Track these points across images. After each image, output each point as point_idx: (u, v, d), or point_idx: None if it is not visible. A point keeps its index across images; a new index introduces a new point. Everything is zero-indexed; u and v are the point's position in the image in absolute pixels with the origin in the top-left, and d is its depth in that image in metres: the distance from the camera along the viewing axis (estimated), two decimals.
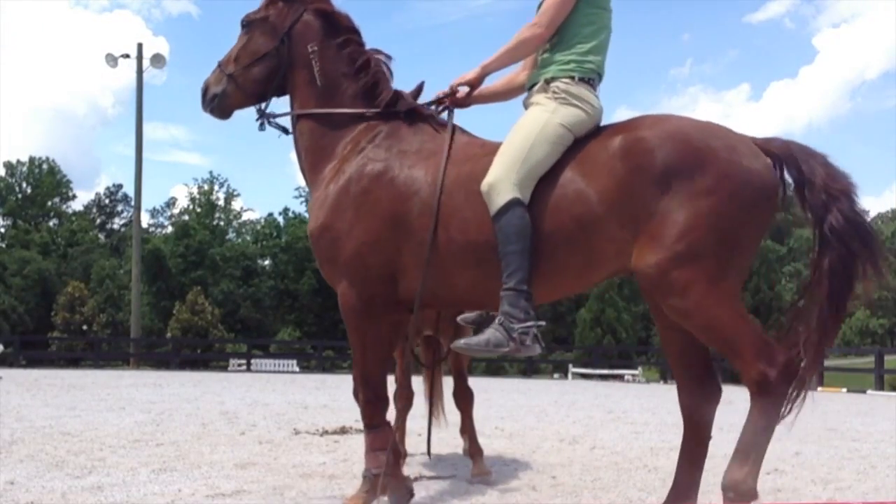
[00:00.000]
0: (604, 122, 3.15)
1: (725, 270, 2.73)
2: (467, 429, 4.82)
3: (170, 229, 57.19)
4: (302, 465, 4.86)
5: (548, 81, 3.15)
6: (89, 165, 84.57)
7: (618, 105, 79.09)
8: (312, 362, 29.23)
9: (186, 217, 57.42)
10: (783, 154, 2.89)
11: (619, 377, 25.29)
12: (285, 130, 3.62)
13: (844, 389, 18.33)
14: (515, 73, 3.45)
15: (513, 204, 2.90)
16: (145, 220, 58.64)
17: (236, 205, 60.83)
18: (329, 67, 3.44)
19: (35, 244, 50.62)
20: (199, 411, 8.67)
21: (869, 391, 18.46)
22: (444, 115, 3.43)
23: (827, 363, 19.95)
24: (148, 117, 73.05)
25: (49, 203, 59.16)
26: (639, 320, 38.94)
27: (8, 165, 58.55)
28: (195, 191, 60.07)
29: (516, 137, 3.03)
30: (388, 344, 3.40)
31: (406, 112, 3.40)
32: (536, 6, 3.27)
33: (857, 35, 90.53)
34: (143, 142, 30.53)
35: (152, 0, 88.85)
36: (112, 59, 31.34)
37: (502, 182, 2.93)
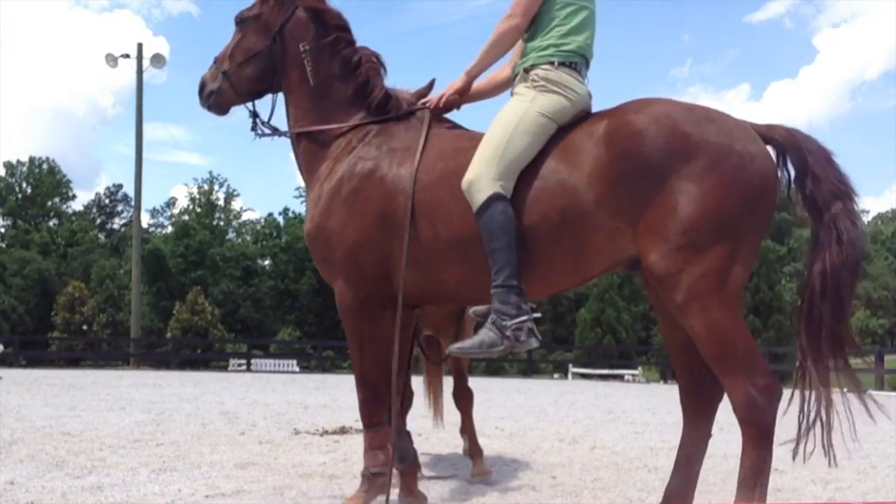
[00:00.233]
0: None
1: (729, 264, 2.63)
2: (467, 429, 4.82)
3: (170, 229, 57.19)
4: (302, 465, 4.86)
5: (527, 70, 3.10)
6: (89, 165, 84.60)
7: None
8: (312, 362, 29.22)
9: (186, 217, 57.44)
10: (786, 142, 2.79)
11: (619, 377, 25.29)
12: (278, 132, 3.61)
13: (844, 389, 18.29)
14: (499, 70, 3.41)
15: (494, 199, 2.86)
16: (145, 220, 58.71)
17: (236, 205, 60.95)
18: (321, 67, 3.44)
19: (35, 244, 50.61)
20: (199, 411, 8.67)
21: (869, 391, 18.43)
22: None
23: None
24: (148, 117, 72.94)
25: (49, 203, 59.14)
26: (639, 320, 38.96)
27: (8, 165, 58.56)
28: (195, 191, 60.16)
29: (495, 131, 2.99)
30: (386, 342, 3.38)
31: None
32: None
33: (858, 35, 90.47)
34: (143, 142, 30.54)
35: (152, 0, 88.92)
36: (112, 59, 31.33)
37: (482, 178, 2.90)
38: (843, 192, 2.73)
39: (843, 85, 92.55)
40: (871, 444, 6.49)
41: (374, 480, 3.32)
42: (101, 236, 59.86)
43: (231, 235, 58.49)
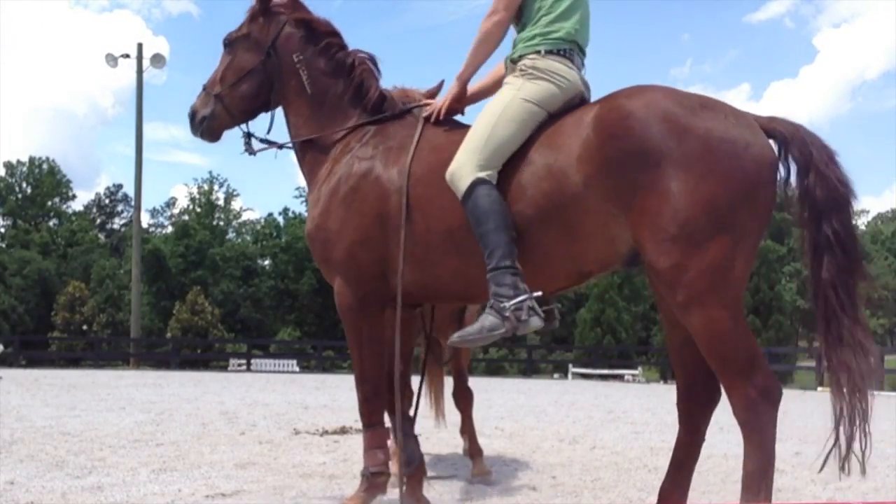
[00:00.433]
0: None
1: (729, 259, 2.54)
2: (467, 429, 4.83)
3: (170, 229, 57.18)
4: (302, 465, 4.86)
5: (514, 61, 3.09)
6: (89, 165, 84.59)
7: None
8: (312, 362, 29.21)
9: (186, 217, 57.42)
10: (790, 134, 2.68)
11: (619, 377, 25.30)
12: (276, 145, 3.62)
13: (844, 389, 18.27)
14: (500, 65, 3.37)
15: (476, 184, 2.83)
16: (145, 220, 58.70)
17: (236, 205, 60.91)
18: (317, 74, 3.46)
19: (35, 244, 50.60)
20: (199, 411, 8.67)
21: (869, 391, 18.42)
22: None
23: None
24: (148, 117, 72.98)
25: (49, 203, 59.12)
26: (639, 320, 38.95)
27: (8, 165, 58.53)
28: (195, 191, 60.11)
29: (481, 121, 2.98)
30: (385, 342, 3.38)
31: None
32: None
33: (858, 35, 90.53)
34: (143, 142, 30.54)
35: (152, 0, 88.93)
36: (112, 59, 31.34)
37: (464, 167, 2.88)
38: (844, 195, 2.64)
39: (843, 85, 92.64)
40: (872, 443, 6.49)
41: (373, 480, 3.32)
42: (101, 236, 59.85)
43: (231, 235, 58.47)
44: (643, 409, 11.01)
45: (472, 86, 3.38)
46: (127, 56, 31.30)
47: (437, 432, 5.05)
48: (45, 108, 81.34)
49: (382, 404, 3.36)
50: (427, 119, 3.28)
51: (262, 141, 3.63)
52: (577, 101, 3.02)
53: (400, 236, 3.06)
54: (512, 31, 3.22)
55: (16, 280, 44.59)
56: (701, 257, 2.54)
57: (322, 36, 3.49)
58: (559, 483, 4.47)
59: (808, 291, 2.71)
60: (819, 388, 19.64)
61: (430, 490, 4.09)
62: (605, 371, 26.19)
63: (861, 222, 70.30)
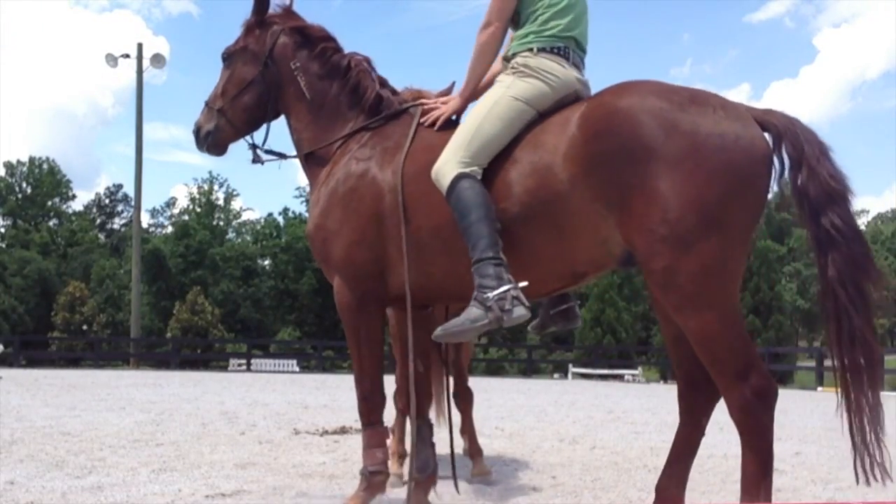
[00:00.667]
0: None
1: (721, 258, 2.49)
2: (467, 429, 4.82)
3: (170, 229, 57.21)
4: (302, 465, 4.86)
5: (508, 59, 3.08)
6: (89, 165, 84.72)
7: None
8: (312, 362, 29.22)
9: (186, 217, 57.42)
10: (784, 128, 2.61)
11: (619, 377, 25.31)
12: (282, 156, 3.67)
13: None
14: (500, 62, 3.35)
15: (458, 179, 2.82)
16: (145, 220, 58.76)
17: (236, 205, 60.95)
18: (314, 78, 3.49)
19: (35, 244, 50.62)
20: (199, 411, 8.67)
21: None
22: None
23: (826, 363, 19.91)
24: (148, 117, 73.10)
25: (49, 203, 59.14)
26: (639, 320, 38.96)
27: (8, 165, 58.56)
28: (195, 191, 60.13)
29: (469, 118, 2.98)
30: (383, 341, 3.38)
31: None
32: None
33: (858, 35, 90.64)
34: (143, 142, 30.57)
35: (152, 0, 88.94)
36: (112, 59, 31.36)
37: (448, 163, 2.88)
38: (838, 190, 2.56)
39: (844, 85, 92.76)
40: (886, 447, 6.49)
41: (372, 479, 3.32)
42: (101, 236, 59.91)
43: (231, 235, 58.50)
44: (643, 409, 11.00)
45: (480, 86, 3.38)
46: (127, 56, 31.34)
47: (437, 432, 5.04)
48: (45, 108, 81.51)
49: (381, 403, 3.37)
50: (422, 118, 3.29)
51: (267, 153, 3.68)
52: (571, 100, 2.98)
53: (400, 235, 3.06)
54: (511, 31, 3.22)
55: (16, 280, 44.60)
56: (692, 258, 2.49)
57: (317, 41, 3.53)
58: (559, 483, 4.47)
59: (818, 291, 2.63)
60: (819, 388, 19.65)
61: (431, 490, 4.10)
62: (605, 371, 26.21)
63: (861, 222, 70.10)
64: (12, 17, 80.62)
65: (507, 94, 2.95)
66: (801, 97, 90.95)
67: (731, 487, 4.22)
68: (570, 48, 3.03)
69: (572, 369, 27.12)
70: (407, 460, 4.78)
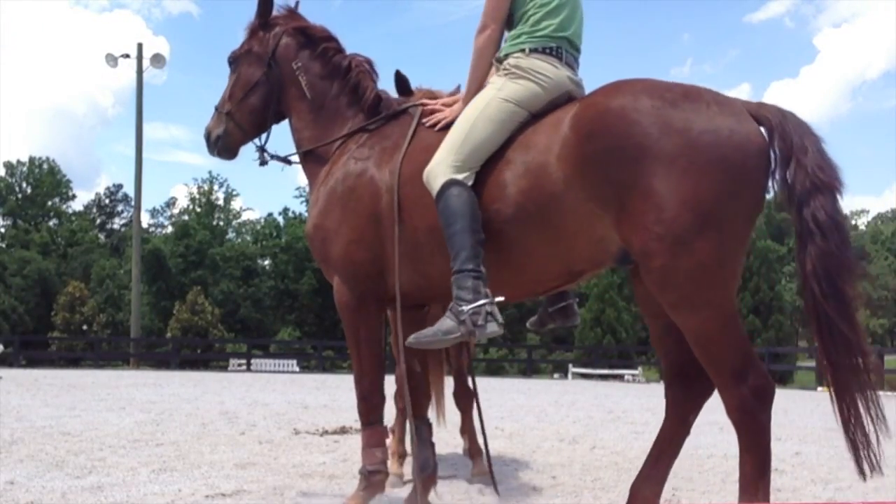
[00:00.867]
0: None
1: (718, 256, 2.45)
2: (467, 429, 4.82)
3: (170, 229, 57.20)
4: (302, 465, 4.86)
5: (500, 60, 3.07)
6: (89, 165, 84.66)
7: None
8: (312, 362, 29.23)
9: (186, 217, 57.41)
10: (776, 122, 2.56)
11: (619, 377, 25.32)
12: (287, 161, 3.70)
13: (838, 390, 18.24)
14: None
15: (448, 185, 2.82)
16: (145, 220, 58.72)
17: (236, 205, 60.91)
18: (315, 78, 3.53)
19: (35, 244, 50.61)
20: (199, 411, 8.67)
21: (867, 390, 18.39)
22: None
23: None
24: (148, 117, 73.11)
25: (49, 203, 59.13)
26: (639, 320, 38.83)
27: (8, 165, 58.54)
28: (195, 191, 60.08)
29: (461, 120, 2.97)
30: (383, 341, 3.39)
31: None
32: None
33: (858, 35, 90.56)
34: (143, 142, 30.58)
35: (152, 0, 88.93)
36: (112, 59, 31.37)
37: (439, 166, 2.88)
38: (825, 182, 2.48)
39: (844, 85, 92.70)
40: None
41: (371, 478, 3.32)
42: (101, 236, 59.88)
43: (231, 235, 58.47)
44: (643, 409, 11.00)
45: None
46: (127, 56, 31.36)
47: (437, 432, 5.04)
48: (45, 108, 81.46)
49: (381, 403, 3.37)
50: (421, 118, 3.29)
51: (272, 157, 3.70)
52: (564, 101, 2.95)
53: (394, 235, 3.07)
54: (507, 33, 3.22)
55: (16, 280, 44.60)
56: (689, 257, 2.46)
57: (318, 41, 3.55)
58: (559, 483, 4.47)
59: (798, 286, 2.58)
60: (819, 388, 19.64)
61: (431, 490, 4.10)
62: (605, 371, 26.22)
63: (861, 222, 70.37)
64: (12, 17, 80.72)
65: (498, 95, 2.94)
66: (802, 97, 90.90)
67: (731, 487, 4.22)
68: (563, 48, 3.01)
69: (572, 369, 27.12)
70: (408, 460, 4.79)
